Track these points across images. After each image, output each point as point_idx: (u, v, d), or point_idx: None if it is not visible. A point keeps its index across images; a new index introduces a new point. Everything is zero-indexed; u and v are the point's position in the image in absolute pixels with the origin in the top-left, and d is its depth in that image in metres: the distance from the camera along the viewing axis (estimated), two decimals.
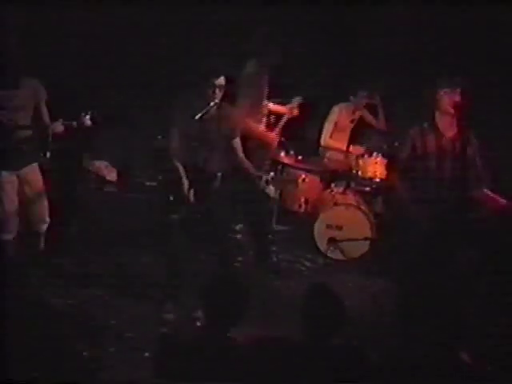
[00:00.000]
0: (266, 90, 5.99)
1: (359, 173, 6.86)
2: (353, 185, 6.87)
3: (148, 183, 7.33)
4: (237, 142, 5.30)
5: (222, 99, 5.13)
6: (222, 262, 5.31)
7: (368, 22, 7.36)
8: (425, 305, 3.23)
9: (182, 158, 5.17)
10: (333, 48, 7.49)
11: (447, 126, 4.96)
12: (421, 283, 3.93)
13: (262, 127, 6.08)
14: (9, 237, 5.29)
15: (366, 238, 6.42)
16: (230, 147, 5.27)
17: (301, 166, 6.96)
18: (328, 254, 6.46)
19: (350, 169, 6.93)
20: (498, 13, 6.18)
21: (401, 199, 5.17)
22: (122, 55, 7.18)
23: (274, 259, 6.23)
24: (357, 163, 6.88)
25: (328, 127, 7.29)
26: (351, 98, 7.27)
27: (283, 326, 4.43)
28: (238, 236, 6.46)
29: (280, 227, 6.69)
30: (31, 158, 5.32)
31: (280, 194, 6.55)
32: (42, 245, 5.51)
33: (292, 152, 6.94)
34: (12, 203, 5.25)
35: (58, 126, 5.22)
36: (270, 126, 6.23)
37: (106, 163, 7.43)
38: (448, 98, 4.87)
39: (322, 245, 6.48)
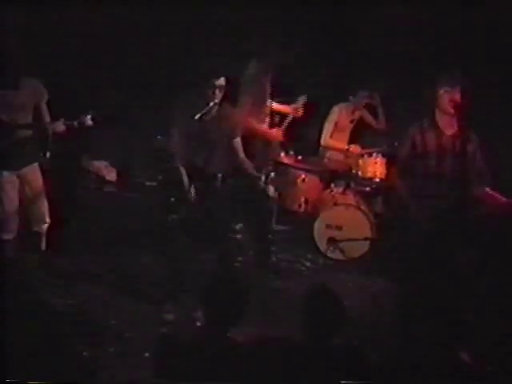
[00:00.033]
0: (268, 90, 5.99)
1: (359, 173, 6.86)
2: (353, 185, 6.86)
3: (148, 183, 7.33)
4: (237, 141, 5.30)
5: (222, 99, 5.13)
6: (221, 262, 5.31)
7: (368, 22, 7.36)
8: (425, 305, 3.23)
9: (182, 158, 5.17)
10: (333, 48, 7.49)
11: (447, 124, 4.97)
12: (421, 283, 3.92)
13: (265, 127, 6.07)
14: (9, 237, 5.30)
15: (365, 238, 6.42)
16: (231, 147, 5.27)
17: (300, 165, 6.96)
18: (328, 254, 6.47)
19: (350, 169, 6.93)
20: (498, 13, 6.18)
21: (401, 198, 5.17)
22: (121, 55, 7.18)
23: (274, 259, 6.23)
24: (356, 163, 6.88)
25: (328, 127, 7.28)
26: (351, 98, 7.27)
27: (283, 326, 4.43)
28: (238, 236, 6.46)
29: (280, 227, 6.69)
30: (32, 157, 5.33)
31: (280, 194, 6.55)
32: (43, 245, 5.51)
33: (292, 152, 6.95)
34: (12, 203, 5.25)
35: (60, 126, 5.22)
36: (274, 126, 6.22)
37: (105, 163, 7.43)
38: (448, 97, 4.87)
39: (322, 245, 6.49)
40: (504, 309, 4.52)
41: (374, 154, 6.83)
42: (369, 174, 6.83)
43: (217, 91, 5.06)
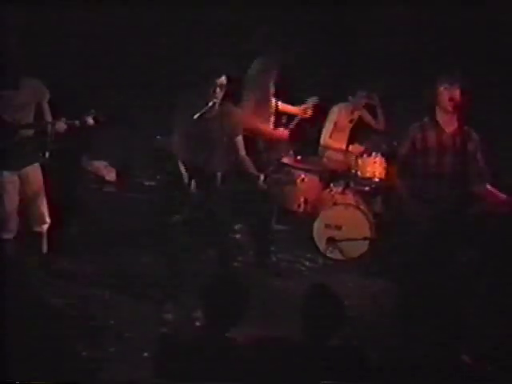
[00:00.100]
0: (271, 89, 5.97)
1: (358, 172, 6.85)
2: (352, 184, 6.86)
3: (147, 183, 7.33)
4: (239, 139, 5.30)
5: (224, 97, 5.13)
6: (221, 262, 5.31)
7: (368, 22, 7.36)
8: (424, 304, 3.23)
9: (183, 157, 5.17)
10: (333, 48, 7.49)
11: (448, 122, 4.97)
12: (420, 283, 3.93)
13: (270, 127, 6.05)
14: (9, 236, 5.30)
15: (365, 238, 6.42)
16: (232, 145, 5.27)
17: (300, 165, 6.96)
18: (327, 254, 6.46)
19: (349, 168, 6.93)
20: (498, 13, 6.19)
21: (400, 198, 5.18)
22: (121, 55, 7.18)
23: (274, 259, 6.23)
24: (356, 163, 6.87)
25: (327, 127, 7.29)
26: (350, 98, 7.27)
27: (283, 326, 4.43)
28: (238, 236, 6.46)
29: (279, 227, 6.69)
30: (33, 157, 5.33)
31: (279, 194, 6.54)
32: (43, 245, 5.51)
33: (291, 152, 6.95)
34: (13, 203, 5.25)
35: (61, 126, 5.22)
36: (281, 127, 6.19)
37: (105, 163, 7.44)
38: (448, 94, 4.87)
39: (321, 244, 6.48)
40: (504, 309, 4.52)
41: (374, 154, 6.82)
42: (368, 174, 6.83)
43: (217, 89, 5.06)
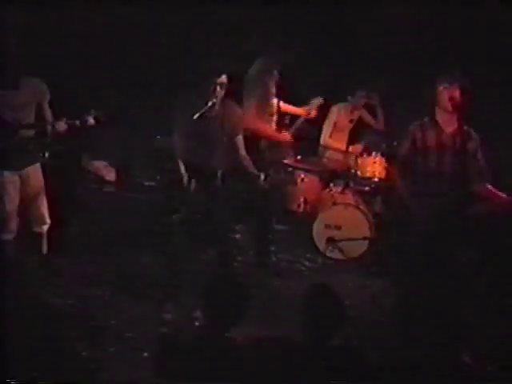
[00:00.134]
0: (272, 89, 5.95)
1: (358, 172, 6.85)
2: (352, 184, 6.86)
3: (147, 183, 7.34)
4: (239, 139, 5.30)
5: (225, 97, 5.13)
6: (221, 262, 5.31)
7: (368, 22, 7.36)
8: (424, 304, 3.23)
9: (183, 157, 5.17)
10: (333, 48, 7.49)
11: (447, 122, 4.96)
12: (420, 283, 3.93)
13: (272, 129, 6.02)
14: (9, 237, 5.29)
15: (364, 238, 6.42)
16: (232, 144, 5.27)
17: (300, 165, 6.96)
18: (327, 254, 6.46)
19: (349, 168, 6.93)
20: (498, 13, 6.19)
21: (400, 198, 5.18)
22: (122, 55, 7.18)
23: (274, 259, 6.23)
24: (355, 163, 6.87)
25: (327, 127, 7.29)
26: (349, 97, 7.28)
27: (283, 326, 4.43)
28: (238, 236, 6.46)
29: (279, 227, 6.69)
30: (33, 158, 5.33)
31: (279, 194, 6.54)
32: (43, 245, 5.51)
33: (291, 152, 6.95)
34: (13, 203, 5.25)
35: (61, 126, 5.22)
36: (283, 127, 6.17)
37: (104, 163, 7.44)
38: (448, 94, 4.87)
39: (321, 244, 6.48)
40: (504, 309, 4.52)
41: (373, 154, 6.82)
42: (368, 174, 6.83)
43: (218, 88, 5.06)
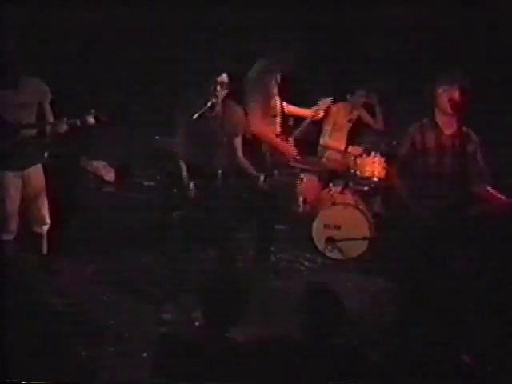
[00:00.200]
0: (274, 90, 5.88)
1: (357, 172, 6.85)
2: (351, 184, 6.86)
3: (147, 183, 7.33)
4: (238, 140, 5.30)
5: (226, 97, 5.12)
6: (221, 261, 5.31)
7: (368, 22, 7.36)
8: (424, 304, 3.23)
9: (184, 156, 5.17)
10: (333, 48, 7.49)
11: (447, 124, 4.97)
12: (420, 283, 3.93)
13: (277, 130, 5.95)
14: (9, 237, 5.30)
15: (364, 238, 6.42)
16: (231, 145, 5.26)
17: (299, 165, 6.94)
18: (326, 254, 6.46)
19: (348, 168, 6.93)
20: (498, 13, 6.19)
21: (400, 198, 5.18)
22: (122, 55, 7.18)
23: (273, 259, 6.23)
24: (355, 163, 6.88)
25: (326, 127, 7.29)
26: (348, 96, 7.27)
27: (283, 326, 4.43)
28: (238, 236, 6.45)
29: (279, 227, 6.68)
30: (35, 158, 5.33)
31: (279, 194, 6.54)
32: (43, 245, 5.52)
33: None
34: (14, 204, 5.26)
35: (61, 126, 5.23)
36: (288, 129, 6.12)
37: (103, 163, 7.43)
38: (447, 96, 4.87)
39: (320, 244, 6.48)
40: (504, 309, 4.52)
41: (372, 154, 6.82)
42: (367, 174, 6.83)
43: (218, 87, 5.05)
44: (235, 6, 6.61)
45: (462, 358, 3.16)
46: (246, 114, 5.51)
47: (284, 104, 5.99)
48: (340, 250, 6.45)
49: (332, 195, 6.72)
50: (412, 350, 3.16)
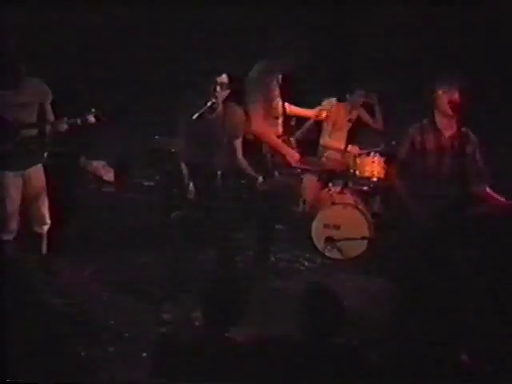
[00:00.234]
0: (275, 91, 5.84)
1: (357, 172, 6.85)
2: (350, 184, 6.86)
3: (146, 183, 7.33)
4: (238, 142, 5.29)
5: (227, 98, 5.11)
6: (222, 261, 5.31)
7: (368, 22, 7.37)
8: (423, 304, 3.23)
9: (185, 157, 5.17)
10: (333, 48, 7.50)
11: (446, 126, 4.97)
12: (419, 283, 3.93)
13: (279, 131, 5.92)
14: (9, 238, 5.30)
15: (363, 238, 6.42)
16: (231, 147, 5.26)
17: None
18: (326, 254, 6.47)
19: (348, 168, 6.93)
20: (498, 13, 6.20)
21: (399, 197, 5.18)
22: (122, 55, 7.19)
23: (273, 259, 6.23)
24: (354, 162, 6.88)
25: (326, 127, 7.29)
26: (347, 96, 7.27)
27: (283, 326, 4.42)
28: (238, 236, 6.45)
29: (278, 227, 6.68)
30: (36, 158, 5.34)
31: (278, 194, 6.53)
32: (43, 247, 5.52)
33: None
34: (14, 204, 5.26)
35: (62, 126, 5.23)
36: (290, 130, 6.09)
37: (103, 163, 7.43)
38: (446, 97, 4.87)
39: (320, 244, 6.48)
40: (504, 309, 4.52)
41: (372, 154, 6.82)
42: (366, 174, 6.83)
43: (218, 88, 5.05)
44: (235, 6, 6.62)
45: (461, 358, 3.16)
46: (247, 115, 5.49)
47: (286, 105, 5.96)
48: (339, 250, 6.46)
49: (331, 195, 6.72)
50: (412, 349, 3.16)
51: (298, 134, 6.39)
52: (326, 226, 6.50)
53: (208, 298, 3.38)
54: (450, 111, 4.88)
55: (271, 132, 5.70)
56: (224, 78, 5.06)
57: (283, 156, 5.76)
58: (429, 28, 6.92)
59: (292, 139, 6.04)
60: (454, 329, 3.18)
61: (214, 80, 5.02)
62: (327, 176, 7.01)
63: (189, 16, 7.01)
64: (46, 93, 5.32)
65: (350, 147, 7.19)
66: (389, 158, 6.44)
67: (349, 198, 6.69)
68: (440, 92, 4.90)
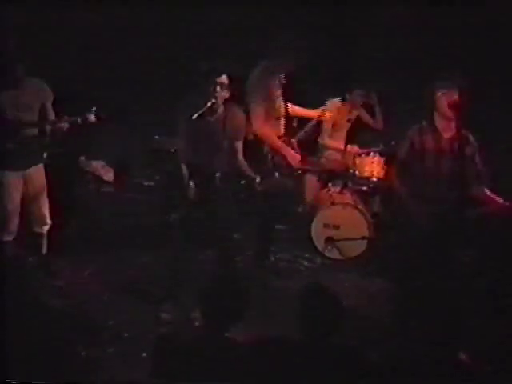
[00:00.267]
0: (276, 91, 5.82)
1: (356, 172, 6.84)
2: (350, 184, 6.86)
3: (146, 183, 7.33)
4: (239, 144, 5.29)
5: (227, 99, 5.11)
6: (221, 262, 5.31)
7: (368, 22, 7.37)
8: (423, 304, 3.23)
9: (185, 158, 5.17)
10: (333, 48, 7.49)
11: (445, 127, 4.98)
12: (419, 282, 3.93)
13: (280, 132, 5.90)
14: (9, 238, 5.30)
15: (363, 238, 6.42)
16: (232, 148, 5.26)
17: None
18: (325, 254, 6.46)
19: (347, 168, 6.92)
20: (498, 13, 6.20)
21: (399, 197, 5.18)
22: (122, 55, 7.19)
23: (273, 259, 6.23)
24: (354, 162, 6.87)
25: (326, 127, 7.28)
26: (347, 95, 7.26)
27: (283, 326, 4.42)
28: (238, 236, 6.45)
29: (278, 227, 6.69)
30: (37, 158, 5.34)
31: (278, 194, 6.53)
32: (44, 247, 5.52)
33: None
34: (14, 204, 5.26)
35: (62, 125, 5.23)
36: (292, 131, 6.06)
37: (102, 163, 7.42)
38: (446, 99, 4.88)
39: (320, 244, 6.48)
40: (504, 309, 4.53)
41: (371, 154, 6.82)
42: (366, 174, 6.82)
43: (218, 88, 5.04)
44: (235, 6, 6.62)
45: (461, 358, 3.16)
46: (248, 116, 5.49)
47: (289, 105, 5.95)
48: (339, 250, 6.46)
49: (331, 195, 6.72)
50: (412, 349, 3.16)
51: (301, 134, 6.38)
52: (325, 225, 6.50)
53: (208, 298, 3.38)
54: (449, 113, 4.89)
55: (272, 133, 5.69)
56: (224, 78, 5.06)
57: (284, 157, 5.75)
58: (429, 28, 6.91)
59: (293, 140, 6.03)
60: (454, 329, 3.18)
61: (213, 81, 5.02)
62: (327, 176, 7.01)
63: (189, 16, 7.00)
64: (47, 93, 5.33)
65: (349, 147, 7.18)
66: (388, 158, 6.44)
67: (348, 198, 6.69)
68: (439, 94, 4.91)
